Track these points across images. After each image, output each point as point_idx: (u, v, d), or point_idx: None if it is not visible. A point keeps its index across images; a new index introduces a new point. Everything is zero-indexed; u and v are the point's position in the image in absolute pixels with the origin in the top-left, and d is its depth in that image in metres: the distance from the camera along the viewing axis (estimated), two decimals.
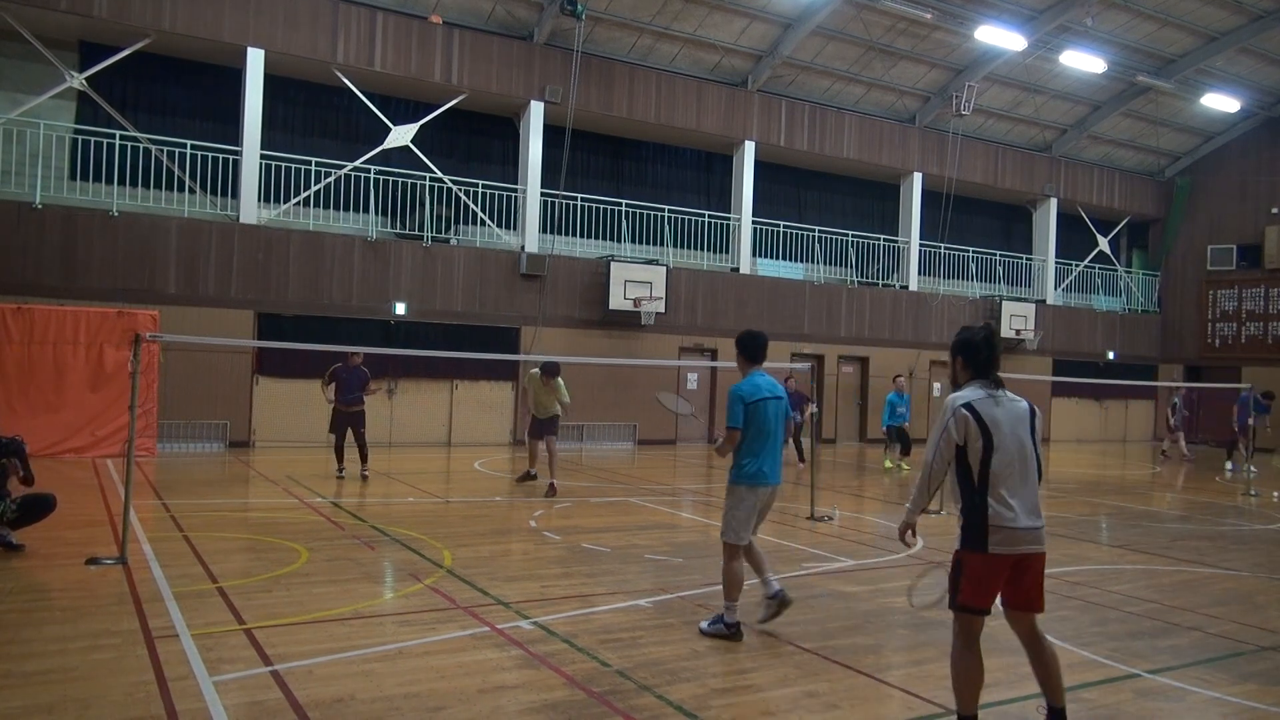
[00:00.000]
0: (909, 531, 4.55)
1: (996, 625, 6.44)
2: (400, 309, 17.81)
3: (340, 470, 13.12)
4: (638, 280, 19.50)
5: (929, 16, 20.21)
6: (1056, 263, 27.16)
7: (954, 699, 4.40)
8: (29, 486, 7.79)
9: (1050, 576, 8.22)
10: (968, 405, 4.26)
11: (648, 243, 21.07)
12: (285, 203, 17.27)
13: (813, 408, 13.70)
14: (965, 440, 4.23)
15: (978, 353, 4.39)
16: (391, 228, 18.39)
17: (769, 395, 6.10)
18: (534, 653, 5.46)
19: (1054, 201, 26.83)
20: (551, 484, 12.00)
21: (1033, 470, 4.30)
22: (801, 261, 23.12)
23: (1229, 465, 18.92)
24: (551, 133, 19.32)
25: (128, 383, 7.96)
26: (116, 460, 13.70)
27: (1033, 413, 4.38)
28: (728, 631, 5.94)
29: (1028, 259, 26.94)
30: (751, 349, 6.25)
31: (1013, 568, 4.27)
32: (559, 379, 12.25)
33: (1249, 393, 18.44)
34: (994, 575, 4.27)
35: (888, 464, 17.68)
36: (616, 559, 8.23)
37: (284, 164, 17.28)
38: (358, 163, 17.98)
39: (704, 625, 6.07)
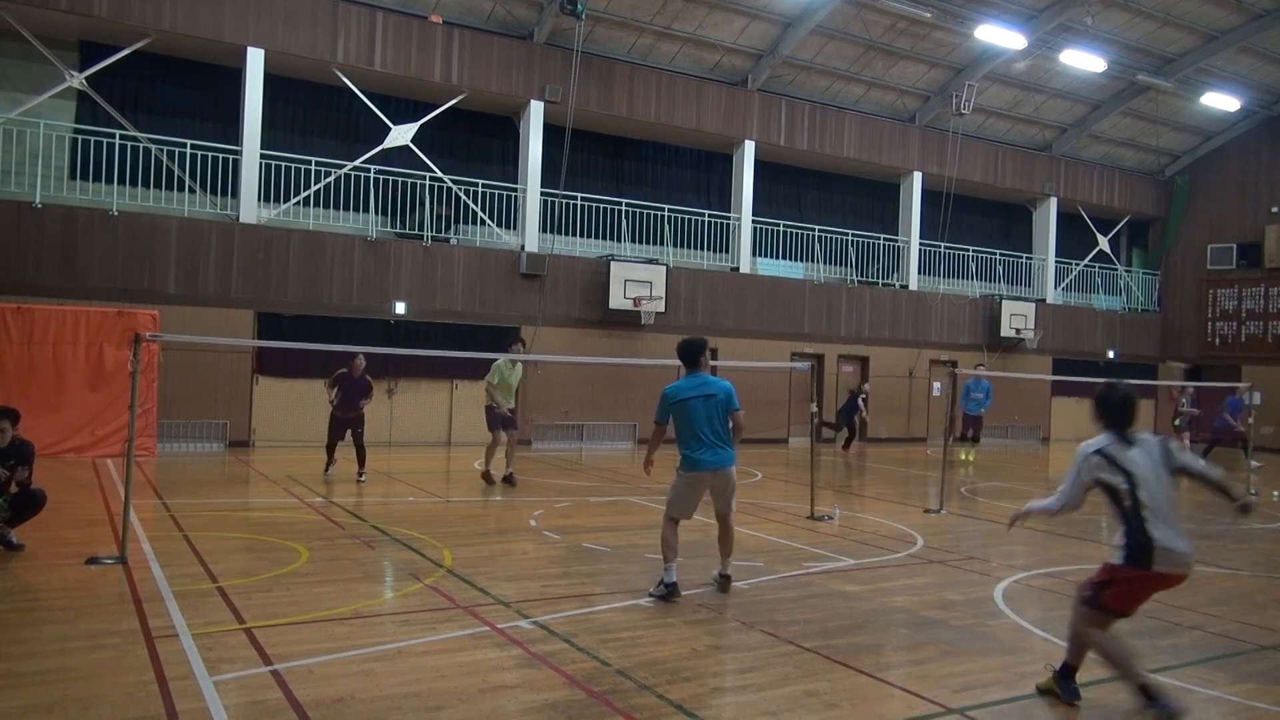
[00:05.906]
0: (1017, 521, 5.32)
1: (996, 625, 6.47)
2: (400, 309, 17.81)
3: (329, 469, 13.14)
4: (638, 280, 19.49)
5: (929, 16, 20.20)
6: (1056, 262, 27.14)
7: (1123, 676, 4.73)
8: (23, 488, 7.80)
9: (1050, 576, 8.29)
10: (1098, 451, 4.82)
11: (648, 242, 21.06)
12: (285, 202, 17.27)
13: (813, 407, 13.64)
14: (1103, 479, 4.77)
15: (1109, 413, 4.93)
16: (391, 227, 18.38)
17: (695, 395, 6.99)
18: (534, 652, 5.46)
19: (1054, 201, 26.81)
20: (509, 474, 12.84)
21: (1174, 502, 4.80)
22: (801, 261, 23.11)
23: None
24: (551, 132, 19.31)
25: (128, 382, 7.96)
26: (116, 460, 13.69)
27: (1164, 445, 4.89)
28: (665, 591, 6.70)
29: (1027, 258, 26.93)
30: (687, 356, 7.22)
31: (1167, 583, 4.82)
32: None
33: (1234, 396, 18.74)
34: (1148, 589, 4.83)
35: (963, 456, 17.70)
36: (616, 559, 8.23)
37: (284, 164, 17.27)
38: (358, 162, 17.97)
39: (650, 590, 6.82)
